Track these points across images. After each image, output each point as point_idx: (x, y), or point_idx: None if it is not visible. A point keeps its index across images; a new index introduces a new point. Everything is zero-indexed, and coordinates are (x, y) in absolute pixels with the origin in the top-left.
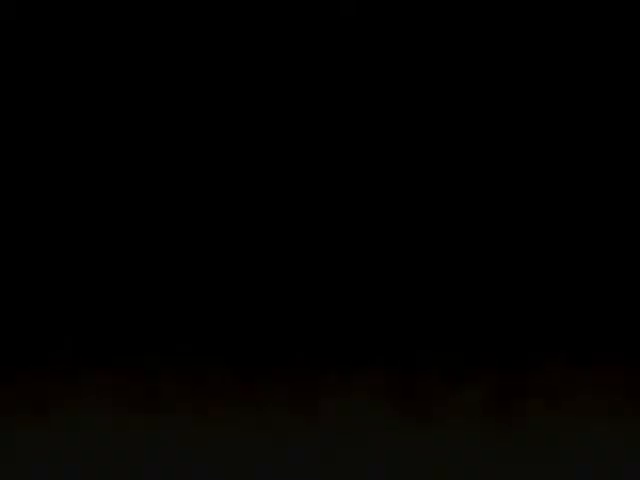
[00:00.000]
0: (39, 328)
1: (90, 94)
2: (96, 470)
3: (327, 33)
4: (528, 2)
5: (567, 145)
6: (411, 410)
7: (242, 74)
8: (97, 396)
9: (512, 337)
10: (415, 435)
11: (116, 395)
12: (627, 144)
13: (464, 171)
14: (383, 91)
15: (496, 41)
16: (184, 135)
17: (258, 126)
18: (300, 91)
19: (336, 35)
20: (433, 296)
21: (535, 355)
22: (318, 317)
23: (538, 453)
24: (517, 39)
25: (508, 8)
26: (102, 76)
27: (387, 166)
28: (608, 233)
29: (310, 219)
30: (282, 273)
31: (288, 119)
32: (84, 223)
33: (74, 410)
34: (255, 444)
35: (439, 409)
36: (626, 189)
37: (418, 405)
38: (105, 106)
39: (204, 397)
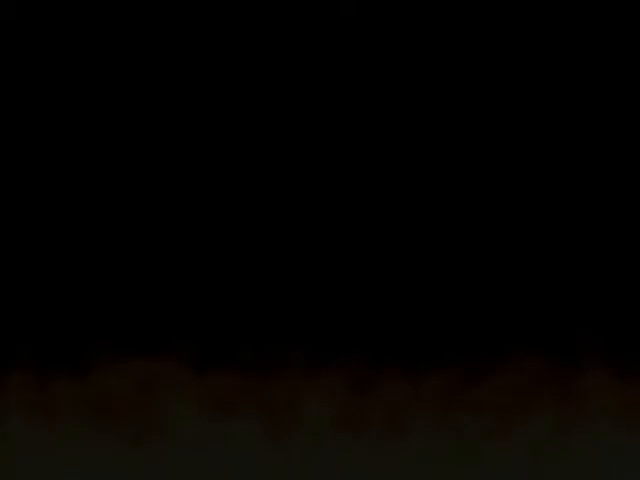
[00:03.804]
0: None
1: (90, 94)
2: None
3: (327, 33)
4: (528, 2)
5: (553, 137)
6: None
7: (242, 74)
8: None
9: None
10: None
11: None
12: (625, 143)
13: (457, 169)
14: (383, 91)
15: (496, 41)
16: (184, 135)
17: (258, 126)
18: (300, 90)
19: (336, 35)
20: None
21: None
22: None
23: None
24: (517, 39)
25: (508, 8)
26: (102, 76)
27: (385, 164)
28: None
29: (311, 219)
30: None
31: (288, 118)
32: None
33: None
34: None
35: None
36: (618, 194)
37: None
38: (105, 106)
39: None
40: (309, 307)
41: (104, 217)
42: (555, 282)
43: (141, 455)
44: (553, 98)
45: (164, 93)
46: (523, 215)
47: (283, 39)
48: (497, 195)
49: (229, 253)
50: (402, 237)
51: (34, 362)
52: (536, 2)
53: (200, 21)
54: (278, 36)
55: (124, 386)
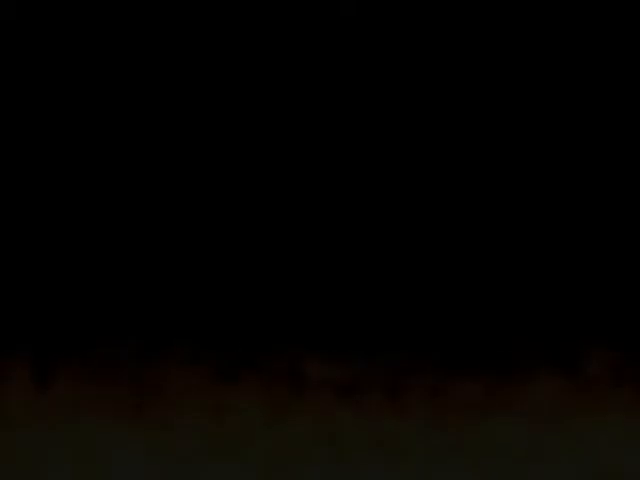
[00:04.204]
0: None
1: (90, 94)
2: None
3: (327, 33)
4: (528, 2)
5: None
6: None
7: (242, 74)
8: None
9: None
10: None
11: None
12: (625, 144)
13: (457, 169)
14: (383, 91)
15: (496, 41)
16: (184, 135)
17: (258, 126)
18: (300, 90)
19: (336, 35)
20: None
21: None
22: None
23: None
24: (517, 39)
25: (508, 8)
26: (102, 76)
27: (384, 163)
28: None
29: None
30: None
31: (288, 118)
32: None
33: None
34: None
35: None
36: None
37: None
38: (105, 106)
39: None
40: (309, 295)
41: (107, 217)
42: (552, 278)
43: (141, 430)
44: (553, 98)
45: (164, 93)
46: (527, 218)
47: (283, 39)
48: (491, 199)
49: (225, 244)
50: (401, 236)
51: (34, 354)
52: (536, 2)
53: (200, 21)
54: (278, 36)
55: (124, 361)
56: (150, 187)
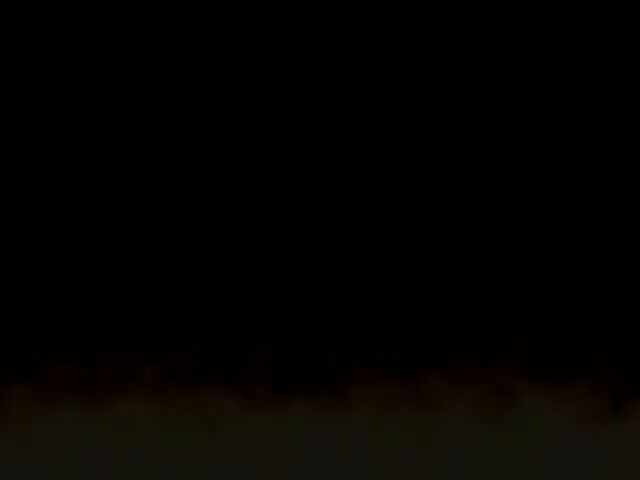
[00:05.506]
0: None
1: (90, 94)
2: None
3: (327, 33)
4: (528, 2)
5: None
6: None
7: (242, 74)
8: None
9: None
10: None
11: None
12: (626, 144)
13: (456, 169)
14: (383, 91)
15: (496, 41)
16: (184, 135)
17: (257, 126)
18: (300, 90)
19: (336, 35)
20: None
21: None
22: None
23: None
24: (517, 39)
25: (508, 8)
26: (102, 76)
27: (383, 163)
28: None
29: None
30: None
31: (287, 118)
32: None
33: None
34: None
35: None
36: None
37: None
38: (105, 106)
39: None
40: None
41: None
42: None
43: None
44: (553, 98)
45: (164, 93)
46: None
47: (282, 39)
48: (484, 203)
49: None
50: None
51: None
52: (536, 2)
53: (199, 21)
54: (277, 36)
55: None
56: (153, 186)
